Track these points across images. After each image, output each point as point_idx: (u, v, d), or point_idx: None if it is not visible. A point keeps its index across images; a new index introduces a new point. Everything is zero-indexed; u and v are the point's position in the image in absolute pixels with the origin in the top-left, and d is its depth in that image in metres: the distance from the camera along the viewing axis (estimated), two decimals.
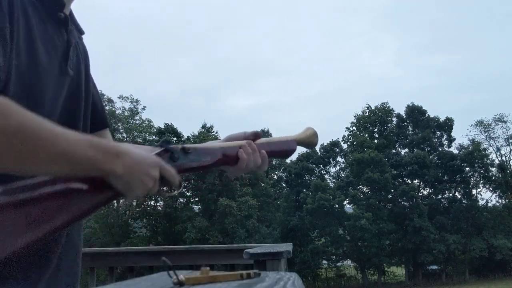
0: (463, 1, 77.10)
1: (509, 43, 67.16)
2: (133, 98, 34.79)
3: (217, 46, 74.27)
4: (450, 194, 37.38)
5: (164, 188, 0.90)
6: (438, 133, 38.94)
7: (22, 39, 0.84)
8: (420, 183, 37.43)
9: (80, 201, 0.73)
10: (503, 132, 40.48)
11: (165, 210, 32.70)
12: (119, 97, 36.07)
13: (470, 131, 60.67)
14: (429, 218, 34.30)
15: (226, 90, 76.23)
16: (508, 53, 65.85)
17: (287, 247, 2.99)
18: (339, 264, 36.77)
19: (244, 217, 31.20)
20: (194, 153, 0.97)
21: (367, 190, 36.69)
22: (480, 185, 37.23)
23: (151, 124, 36.62)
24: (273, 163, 44.29)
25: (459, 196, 37.15)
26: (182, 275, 0.78)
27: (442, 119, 38.88)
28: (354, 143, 39.05)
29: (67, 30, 0.97)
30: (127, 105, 36.15)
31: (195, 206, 34.59)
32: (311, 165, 38.38)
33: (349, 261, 37.07)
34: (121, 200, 34.88)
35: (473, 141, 38.66)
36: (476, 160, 36.47)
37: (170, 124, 34.54)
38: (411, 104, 39.60)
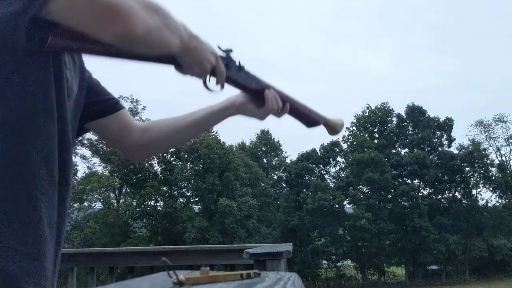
0: (463, 1, 77.10)
1: (509, 43, 67.18)
2: (133, 98, 34.78)
3: (217, 46, 74.14)
4: (450, 194, 37.37)
5: (207, 83, 1.05)
6: (438, 133, 38.93)
7: None
8: (420, 183, 37.43)
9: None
10: (503, 132, 40.50)
11: (165, 210, 32.69)
12: (119, 97, 35.91)
13: (470, 131, 60.64)
14: (429, 218, 34.30)
15: (226, 90, 76.05)
16: (509, 53, 65.89)
17: (287, 247, 3.00)
18: (339, 264, 36.76)
19: (244, 217, 31.20)
20: (245, 73, 1.12)
21: (367, 190, 36.69)
22: (480, 185, 37.25)
23: None
24: (273, 163, 44.29)
25: (459, 196, 37.15)
26: (182, 275, 0.78)
27: (442, 119, 38.88)
28: (354, 143, 39.04)
29: None
30: (127, 105, 36.15)
31: (195, 206, 34.60)
32: (311, 165, 38.38)
33: (349, 261, 37.06)
34: (120, 201, 34.94)
35: (473, 141, 38.66)
36: (476, 160, 36.47)
37: None
38: (411, 104, 39.63)
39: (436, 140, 38.76)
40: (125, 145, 1.19)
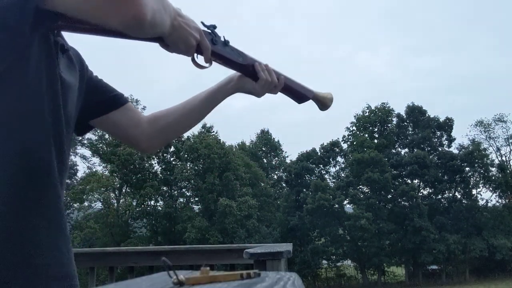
0: (463, 1, 77.14)
1: (509, 43, 67.19)
2: (133, 98, 34.76)
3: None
4: (450, 194, 37.37)
5: (196, 59, 1.06)
6: (438, 133, 38.93)
7: None
8: (420, 183, 37.42)
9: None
10: (503, 132, 40.52)
11: (165, 210, 32.69)
12: None
13: (470, 131, 60.69)
14: (429, 218, 34.30)
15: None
16: (509, 53, 65.91)
17: (287, 247, 2.99)
18: (339, 264, 36.76)
19: (244, 217, 31.21)
20: (231, 48, 1.11)
21: (367, 190, 36.68)
22: (480, 185, 37.24)
23: None
24: (273, 163, 44.31)
25: (459, 196, 37.14)
26: (182, 275, 0.78)
27: (442, 119, 38.88)
28: (354, 143, 39.04)
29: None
30: None
31: (195, 206, 34.61)
32: (311, 165, 38.38)
33: (349, 261, 37.06)
34: (120, 201, 34.95)
35: (473, 141, 38.67)
36: (476, 160, 36.46)
37: None
38: (411, 104, 39.62)
39: (436, 140, 38.76)
40: (136, 138, 1.20)
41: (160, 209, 33.31)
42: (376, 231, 33.93)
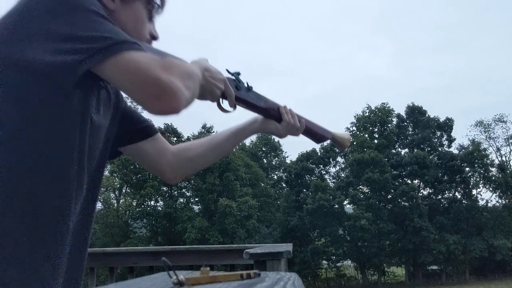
0: (463, 1, 77.13)
1: (509, 42, 67.16)
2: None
3: (216, 46, 74.35)
4: (450, 194, 37.34)
5: (221, 104, 1.15)
6: (438, 133, 38.91)
7: None
8: (420, 183, 37.40)
9: None
10: (503, 132, 40.52)
11: (165, 210, 32.69)
12: None
13: (470, 131, 60.81)
14: (429, 218, 34.28)
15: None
16: (509, 53, 65.87)
17: (287, 247, 3.00)
18: (339, 264, 36.73)
19: (244, 217, 31.20)
20: (254, 93, 1.23)
21: (367, 190, 36.67)
22: (480, 185, 37.20)
23: None
24: (273, 163, 44.29)
25: (459, 196, 37.11)
26: (182, 275, 0.78)
27: (442, 119, 38.85)
28: (354, 143, 39.02)
29: None
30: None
31: (195, 206, 34.58)
32: (311, 165, 38.37)
33: (349, 261, 37.04)
34: (120, 201, 34.93)
35: (473, 141, 38.64)
36: (476, 160, 36.44)
37: (170, 124, 34.54)
38: (411, 104, 39.60)
39: (436, 140, 38.73)
40: (162, 168, 1.26)
41: (160, 209, 33.30)
42: (376, 232, 33.91)
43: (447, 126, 38.64)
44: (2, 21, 0.83)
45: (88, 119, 0.92)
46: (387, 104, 40.33)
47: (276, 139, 42.31)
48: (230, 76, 1.17)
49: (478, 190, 37.28)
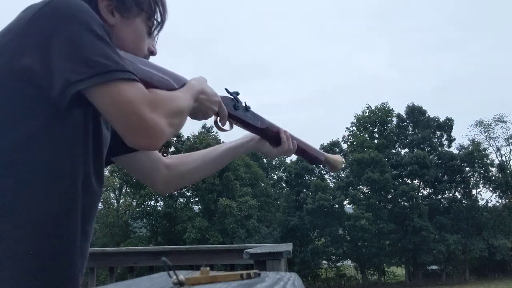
0: (462, 1, 77.11)
1: (509, 42, 67.17)
2: None
3: (216, 47, 74.34)
4: (450, 194, 37.35)
5: (218, 123, 1.17)
6: (438, 133, 38.91)
7: None
8: (420, 183, 37.40)
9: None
10: (503, 132, 40.47)
11: (165, 210, 32.69)
12: None
13: (470, 131, 60.69)
14: (429, 218, 34.29)
15: (224, 91, 76.07)
16: (509, 53, 65.88)
17: (287, 247, 2.99)
18: (339, 264, 36.73)
19: (244, 217, 31.20)
20: (252, 113, 1.25)
21: (367, 190, 36.68)
22: (480, 185, 37.20)
23: None
24: (273, 163, 44.32)
25: (459, 196, 37.12)
26: (182, 275, 0.78)
27: (442, 119, 38.84)
28: (354, 143, 39.02)
29: None
30: None
31: (195, 206, 34.58)
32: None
33: (349, 261, 37.04)
34: (120, 201, 34.93)
35: (473, 141, 38.64)
36: (476, 160, 36.44)
37: None
38: (411, 104, 39.60)
39: (436, 140, 38.74)
40: (154, 180, 1.27)
41: (160, 209, 33.30)
42: (376, 231, 33.91)
43: (447, 126, 38.65)
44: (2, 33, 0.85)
45: (101, 138, 0.95)
46: (387, 104, 40.36)
47: None
48: (228, 95, 1.20)
49: (478, 190, 37.31)
